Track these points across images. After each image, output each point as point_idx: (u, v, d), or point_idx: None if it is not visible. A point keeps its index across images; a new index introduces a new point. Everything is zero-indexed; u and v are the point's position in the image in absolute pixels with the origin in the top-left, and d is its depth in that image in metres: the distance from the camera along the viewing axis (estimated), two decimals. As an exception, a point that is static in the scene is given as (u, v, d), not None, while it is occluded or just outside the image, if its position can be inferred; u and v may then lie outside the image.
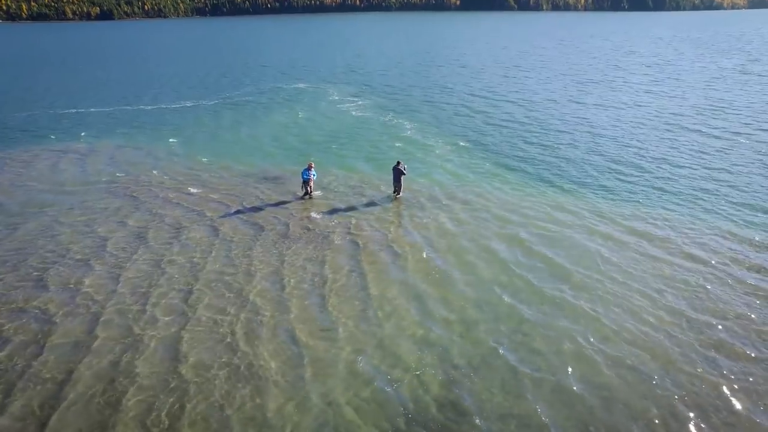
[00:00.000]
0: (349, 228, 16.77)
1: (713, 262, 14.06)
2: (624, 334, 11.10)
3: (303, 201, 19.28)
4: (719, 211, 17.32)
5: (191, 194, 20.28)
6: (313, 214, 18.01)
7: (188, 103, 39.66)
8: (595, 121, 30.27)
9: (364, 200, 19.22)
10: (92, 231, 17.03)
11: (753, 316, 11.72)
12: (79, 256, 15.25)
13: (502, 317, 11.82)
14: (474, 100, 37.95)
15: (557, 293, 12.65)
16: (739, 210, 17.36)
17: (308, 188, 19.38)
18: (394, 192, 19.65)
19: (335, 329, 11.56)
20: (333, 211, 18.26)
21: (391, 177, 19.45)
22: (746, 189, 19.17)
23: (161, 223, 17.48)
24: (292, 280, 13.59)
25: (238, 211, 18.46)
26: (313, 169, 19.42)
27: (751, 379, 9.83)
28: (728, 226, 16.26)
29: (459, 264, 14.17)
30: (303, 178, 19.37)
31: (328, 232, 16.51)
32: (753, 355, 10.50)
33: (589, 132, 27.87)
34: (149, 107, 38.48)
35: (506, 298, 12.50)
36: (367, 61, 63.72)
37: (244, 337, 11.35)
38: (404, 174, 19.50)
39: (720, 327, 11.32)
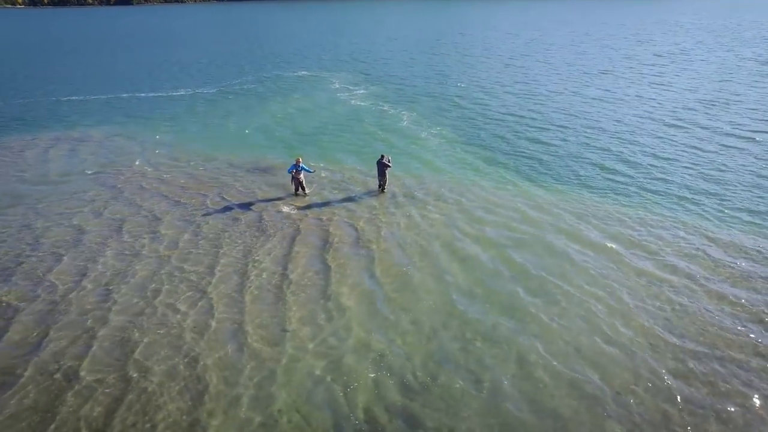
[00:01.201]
0: (324, 225, 16.43)
1: (696, 275, 13.06)
2: (585, 352, 10.45)
3: (286, 196, 18.87)
4: (710, 217, 16.33)
5: (173, 185, 20.14)
6: (291, 209, 17.70)
7: (188, 91, 39.49)
8: (593, 115, 29.11)
9: (347, 195, 18.83)
10: (68, 222, 16.98)
11: (731, 337, 10.84)
12: (50, 248, 15.20)
13: (458, 328, 11.33)
14: (474, 90, 37.05)
15: (521, 304, 12.07)
16: (734, 216, 16.25)
17: (297, 184, 18.61)
18: (379, 187, 19.23)
19: (287, 332, 11.29)
20: (312, 207, 17.93)
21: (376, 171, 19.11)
22: (744, 194, 17.93)
23: (137, 216, 17.38)
24: (253, 278, 13.35)
25: (216, 204, 18.24)
26: (302, 163, 18.53)
27: (723, 416, 8.93)
28: (718, 233, 15.25)
29: (429, 268, 13.65)
30: (289, 172, 18.68)
31: (303, 228, 16.20)
32: (725, 389, 9.51)
33: (585, 127, 26.85)
34: (148, 95, 38.42)
35: (466, 307, 11.98)
36: (373, 48, 62.84)
37: (192, 335, 11.18)
38: (389, 167, 19.07)
39: (691, 352, 10.40)
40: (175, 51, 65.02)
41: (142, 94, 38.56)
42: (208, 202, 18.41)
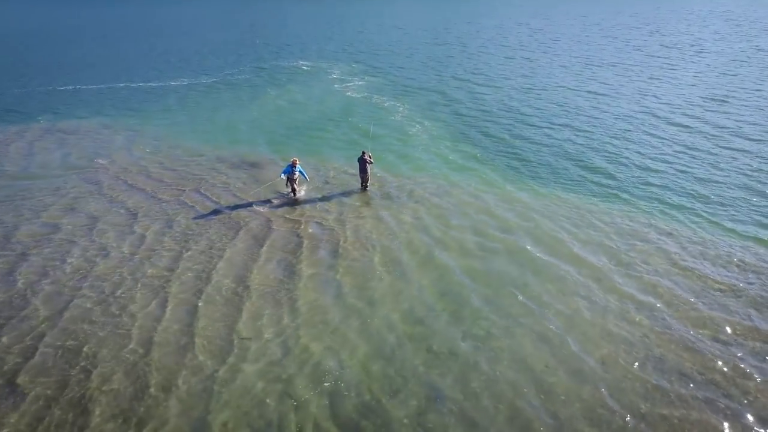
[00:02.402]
0: (297, 226, 15.95)
1: (679, 296, 12.08)
2: (542, 377, 9.69)
3: (269, 194, 18.33)
4: (697, 227, 15.33)
5: (155, 180, 19.91)
6: (267, 208, 17.23)
7: (183, 82, 39.04)
8: (593, 113, 27.86)
9: (328, 193, 18.27)
10: (38, 218, 16.66)
11: (710, 370, 10.06)
12: (17, 245, 14.90)
13: (421, 343, 10.75)
14: (473, 82, 36.00)
15: (485, 319, 11.37)
16: (728, 229, 15.10)
17: (293, 186, 17.65)
18: (361, 185, 18.64)
19: (236, 340, 10.85)
20: (289, 206, 17.43)
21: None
22: (743, 204, 16.64)
23: (108, 213, 17.04)
24: (215, 281, 12.91)
25: (194, 201, 17.83)
26: (298, 165, 17.58)
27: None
28: (703, 248, 14.19)
29: (397, 278, 12.96)
30: (285, 173, 17.50)
31: (275, 228, 15.73)
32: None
33: (583, 126, 25.74)
34: (143, 85, 38.05)
35: (431, 321, 11.36)
36: (376, 38, 61.69)
37: (140, 338, 10.87)
38: (371, 163, 18.48)
39: (657, 388, 9.50)
40: (174, 40, 64.46)
41: (137, 85, 38.18)
42: (187, 199, 18.00)
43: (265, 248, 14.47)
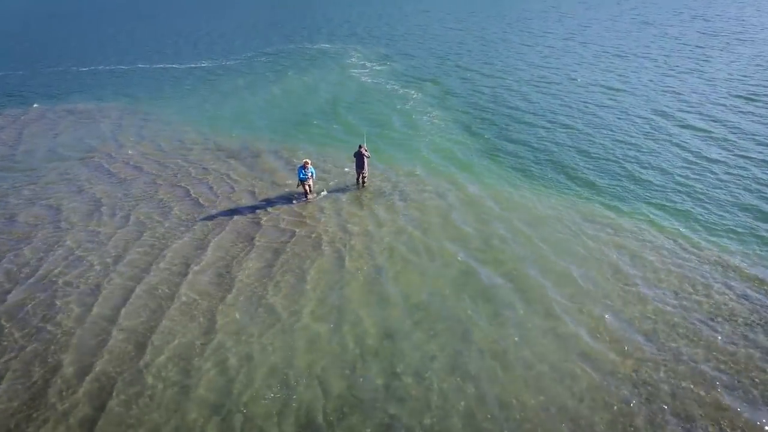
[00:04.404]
0: (283, 224, 15.61)
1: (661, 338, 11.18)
2: (518, 408, 9.12)
3: (264, 187, 18.16)
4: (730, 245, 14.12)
5: (143, 170, 19.99)
6: (255, 202, 17.01)
7: (203, 63, 39.23)
8: (612, 113, 25.94)
9: (323, 188, 17.78)
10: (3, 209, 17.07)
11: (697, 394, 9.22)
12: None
13: (388, 360, 10.25)
14: (495, 73, 33.63)
15: (463, 340, 10.76)
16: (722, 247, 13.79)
17: (308, 188, 16.88)
18: (358, 180, 18.19)
19: (197, 346, 10.69)
20: (279, 202, 17.08)
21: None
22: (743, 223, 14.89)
23: (76, 201, 17.19)
24: (190, 278, 12.86)
25: (187, 191, 17.87)
26: (309, 166, 16.69)
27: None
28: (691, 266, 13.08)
29: (374, 289, 12.36)
30: (300, 178, 16.65)
31: (264, 225, 15.49)
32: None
33: (603, 124, 24.10)
34: (164, 65, 38.42)
35: (403, 337, 10.82)
36: (403, 20, 60.16)
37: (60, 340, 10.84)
38: (368, 157, 17.98)
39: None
40: (202, 20, 64.69)
41: (158, 65, 38.60)
42: (180, 188, 18.07)
43: (253, 249, 14.24)
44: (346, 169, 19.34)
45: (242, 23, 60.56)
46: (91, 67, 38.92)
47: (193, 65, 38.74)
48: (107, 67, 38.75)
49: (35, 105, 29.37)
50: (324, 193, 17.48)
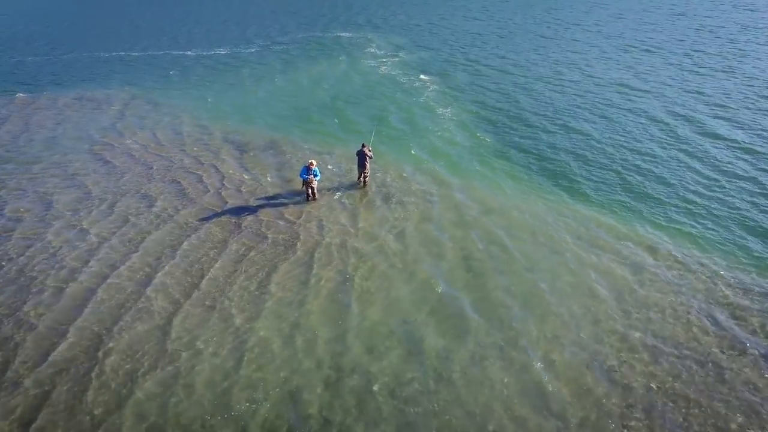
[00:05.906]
0: (277, 225, 14.83)
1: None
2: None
3: (263, 183, 17.38)
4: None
5: (141, 161, 19.42)
6: (251, 201, 16.23)
7: (221, 51, 38.54)
8: (639, 118, 24.11)
9: (322, 187, 16.80)
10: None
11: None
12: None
13: (364, 377, 9.52)
14: (506, 72, 31.02)
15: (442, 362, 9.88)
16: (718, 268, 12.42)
17: (310, 190, 16.12)
18: (359, 180, 17.19)
19: (168, 351, 10.09)
20: (273, 201, 16.29)
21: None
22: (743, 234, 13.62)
23: (66, 193, 16.60)
24: (166, 281, 12.24)
25: (181, 188, 17.18)
26: (314, 167, 15.80)
27: None
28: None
29: (364, 299, 11.59)
30: (302, 178, 15.97)
31: (264, 226, 14.73)
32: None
33: (632, 134, 22.52)
34: (174, 53, 37.95)
35: (380, 354, 10.04)
36: (426, 11, 58.17)
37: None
38: (371, 158, 16.97)
39: None
40: (222, 6, 63.98)
41: (173, 52, 38.14)
42: (174, 184, 17.42)
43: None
44: (346, 169, 18.33)
45: (262, 9, 59.67)
46: (104, 53, 38.67)
47: (204, 53, 38.08)
48: (119, 53, 38.47)
49: (45, 93, 29.13)
50: (318, 196, 16.44)
